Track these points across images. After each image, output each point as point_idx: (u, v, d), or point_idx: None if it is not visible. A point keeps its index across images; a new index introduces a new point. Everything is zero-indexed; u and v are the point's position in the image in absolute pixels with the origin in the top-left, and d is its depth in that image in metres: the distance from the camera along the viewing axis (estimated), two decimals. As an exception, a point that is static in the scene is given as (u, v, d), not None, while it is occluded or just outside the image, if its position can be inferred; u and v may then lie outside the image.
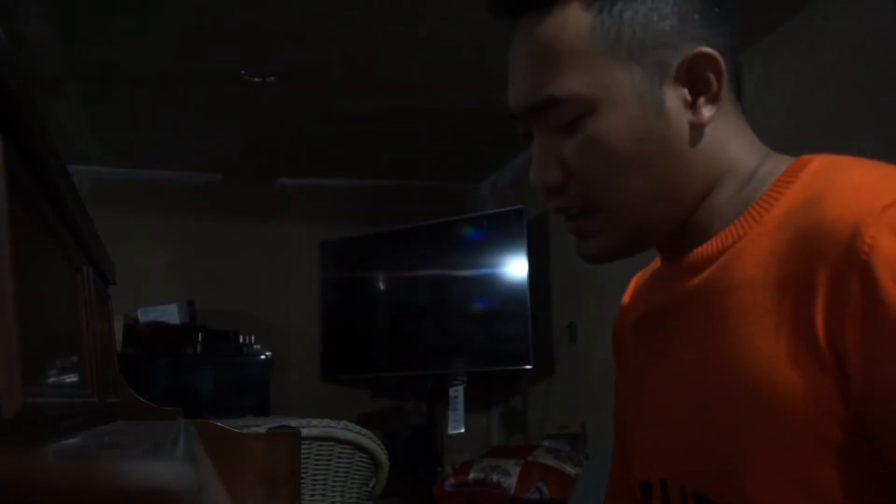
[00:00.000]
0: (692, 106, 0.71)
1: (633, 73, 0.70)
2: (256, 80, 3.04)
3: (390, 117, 3.55)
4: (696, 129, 0.72)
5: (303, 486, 1.78)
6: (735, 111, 0.75)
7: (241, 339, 3.90)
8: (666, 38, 0.70)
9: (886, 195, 0.61)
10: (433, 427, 3.94)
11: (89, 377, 0.90)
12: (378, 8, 2.54)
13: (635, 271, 0.93)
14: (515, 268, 3.63)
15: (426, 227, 3.96)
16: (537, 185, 0.74)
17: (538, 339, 3.62)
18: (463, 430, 3.61)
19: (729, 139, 0.74)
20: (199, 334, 3.83)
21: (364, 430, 2.12)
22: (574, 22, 0.70)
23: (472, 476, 3.23)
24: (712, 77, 0.71)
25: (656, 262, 0.87)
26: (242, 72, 2.99)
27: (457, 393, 3.63)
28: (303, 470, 1.77)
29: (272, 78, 3.04)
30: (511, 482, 3.08)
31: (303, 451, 1.30)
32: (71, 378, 0.79)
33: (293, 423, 1.89)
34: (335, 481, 2.09)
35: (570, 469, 3.07)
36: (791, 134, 2.33)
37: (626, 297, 0.93)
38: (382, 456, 2.16)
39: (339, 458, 2.09)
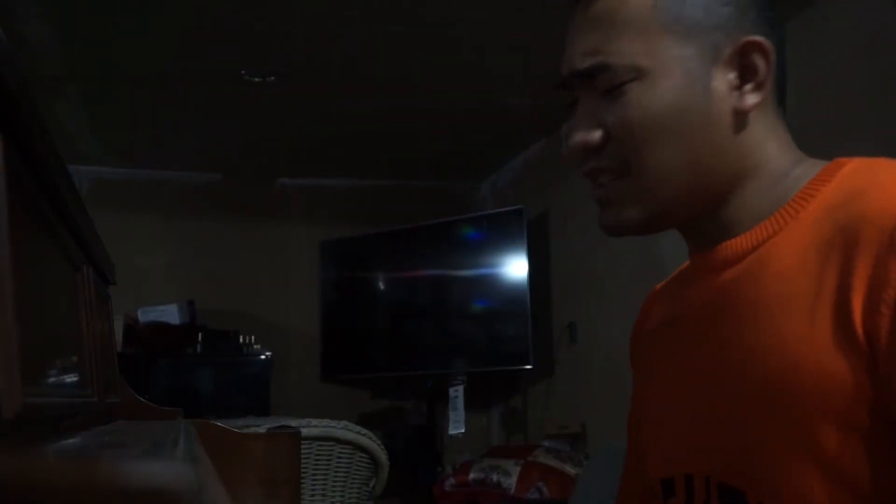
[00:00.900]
0: (738, 91, 0.73)
1: (686, 49, 0.72)
2: (256, 80, 3.05)
3: (390, 117, 3.55)
4: (738, 116, 0.74)
5: (303, 486, 1.78)
6: (775, 112, 0.77)
7: (241, 339, 3.90)
8: (723, 22, 0.73)
9: None
10: (433, 427, 3.94)
11: (89, 377, 0.90)
12: (378, 8, 2.54)
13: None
14: (515, 268, 3.63)
15: (426, 227, 3.96)
16: (577, 144, 0.76)
17: (538, 339, 3.62)
18: (463, 430, 3.61)
19: (767, 135, 0.76)
20: (199, 334, 3.84)
21: (364, 430, 2.12)
22: None
23: (472, 476, 3.23)
24: (761, 65, 0.73)
25: (671, 276, 0.89)
26: (242, 72, 2.99)
27: (457, 393, 3.63)
28: (303, 470, 1.77)
29: (272, 78, 3.04)
30: (511, 482, 3.08)
31: (303, 451, 1.30)
32: (71, 378, 0.79)
33: (293, 423, 1.89)
34: (335, 481, 2.09)
35: (570, 469, 3.07)
36: (791, 134, 2.33)
37: (641, 313, 0.94)
38: (382, 456, 2.16)
39: (339, 458, 2.09)
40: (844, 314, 0.62)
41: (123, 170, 4.11)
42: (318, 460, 2.06)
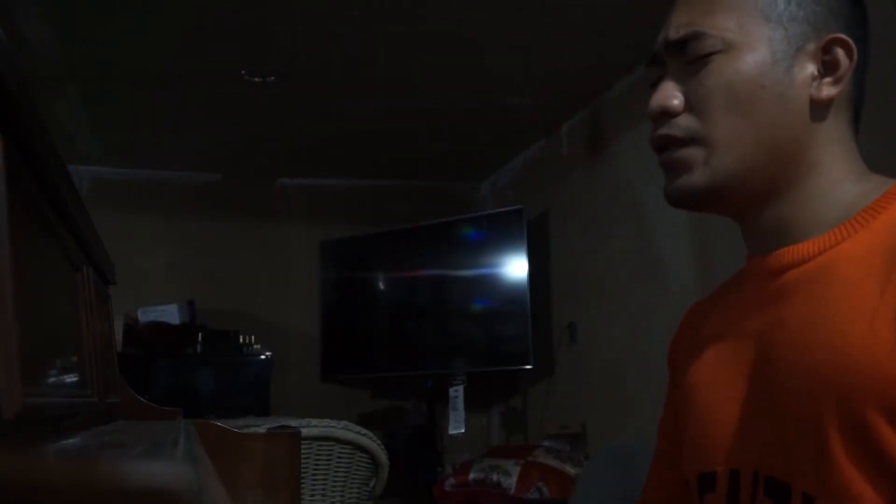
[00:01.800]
0: (818, 81, 0.77)
1: (776, 32, 0.76)
2: (256, 80, 3.05)
3: (390, 117, 3.55)
4: (814, 105, 0.77)
5: (303, 486, 1.78)
6: (848, 122, 0.80)
7: (241, 339, 3.90)
8: (815, 17, 0.77)
9: None
10: (433, 427, 3.94)
11: (89, 377, 0.90)
12: (378, 8, 2.54)
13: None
14: (515, 268, 3.63)
15: (426, 227, 3.96)
16: (656, 106, 0.79)
17: (538, 339, 3.62)
18: (463, 430, 3.61)
19: (835, 137, 0.78)
20: (199, 334, 3.83)
21: (364, 430, 2.12)
22: None
23: (472, 476, 3.23)
24: (843, 60, 0.76)
25: (717, 289, 0.93)
26: (242, 72, 2.99)
27: (457, 393, 3.63)
28: (303, 470, 1.77)
29: (272, 78, 3.04)
30: (511, 482, 3.08)
31: (303, 451, 1.30)
32: (71, 378, 0.79)
33: (293, 423, 1.89)
34: (335, 481, 2.09)
35: (570, 469, 3.07)
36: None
37: (682, 325, 0.97)
38: (382, 456, 2.16)
39: (339, 458, 2.09)
40: None
41: (123, 170, 4.11)
42: (318, 460, 2.06)
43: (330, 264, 4.19)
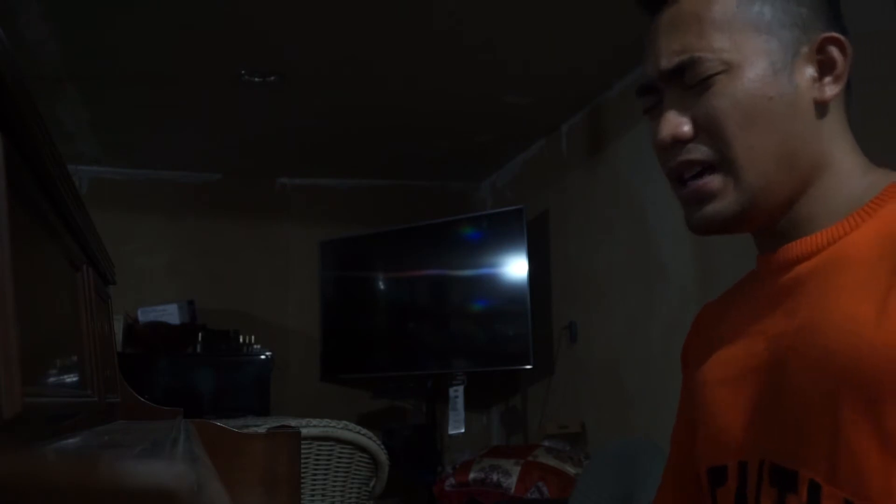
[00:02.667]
0: (818, 83, 0.77)
1: (770, 42, 0.76)
2: (256, 80, 3.05)
3: (390, 117, 3.55)
4: (819, 106, 0.77)
5: (303, 486, 1.78)
6: (844, 115, 0.80)
7: (241, 339, 3.90)
8: (802, 20, 0.77)
9: None
10: (433, 427, 3.94)
11: (89, 377, 0.90)
12: (378, 8, 2.54)
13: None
14: (515, 268, 3.63)
15: (426, 227, 3.96)
16: (666, 136, 0.78)
17: (538, 339, 3.62)
18: (463, 430, 3.61)
19: (842, 131, 0.79)
20: (199, 334, 3.84)
21: (364, 430, 2.12)
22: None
23: (472, 476, 3.23)
24: (839, 58, 0.77)
25: (730, 288, 0.92)
26: (242, 72, 2.99)
27: (457, 393, 3.63)
28: (303, 470, 1.77)
29: (272, 78, 3.04)
30: (511, 482, 3.08)
31: (303, 451, 1.30)
32: (71, 378, 0.79)
33: (293, 423, 1.89)
34: (335, 481, 2.09)
35: (570, 469, 3.08)
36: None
37: (695, 325, 0.97)
38: (382, 456, 2.16)
39: (339, 458, 2.09)
40: None
41: (123, 170, 4.11)
42: (318, 460, 2.06)
43: (330, 264, 4.19)
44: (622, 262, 3.14)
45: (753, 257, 0.86)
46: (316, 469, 2.06)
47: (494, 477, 3.14)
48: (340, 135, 3.79)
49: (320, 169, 4.32)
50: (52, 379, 0.67)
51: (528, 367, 3.54)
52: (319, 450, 2.06)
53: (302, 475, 1.48)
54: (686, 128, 0.77)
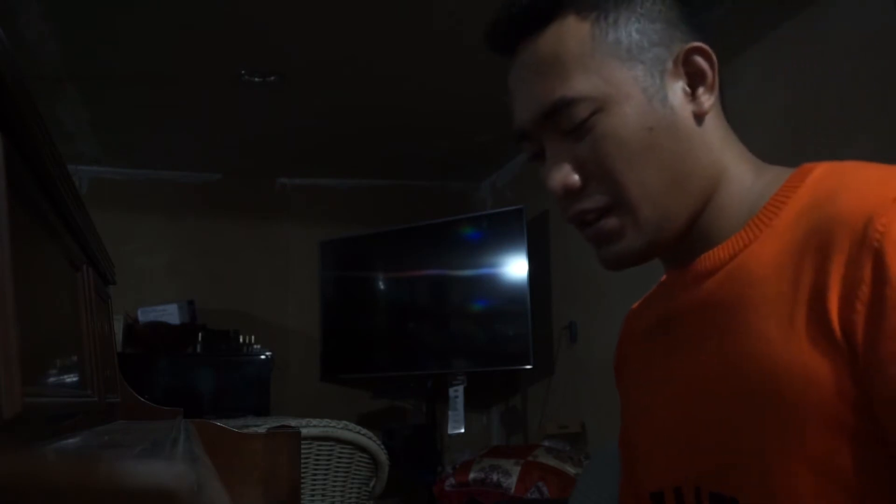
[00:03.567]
0: (692, 96, 0.76)
1: (635, 69, 0.74)
2: (256, 79, 3.05)
3: (390, 117, 3.55)
4: (699, 118, 0.76)
5: (303, 486, 1.78)
6: (723, 119, 0.79)
7: (241, 339, 3.90)
8: (658, 37, 0.75)
9: None
10: (433, 427, 3.94)
11: (89, 377, 0.90)
12: (378, 8, 2.54)
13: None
14: (515, 268, 3.63)
15: (426, 227, 3.96)
16: (558, 188, 0.76)
17: (538, 339, 3.62)
18: (463, 430, 3.61)
19: (724, 139, 0.78)
20: (199, 334, 3.83)
21: (364, 430, 2.12)
22: (574, 32, 0.75)
23: (472, 476, 3.23)
24: (706, 66, 0.75)
25: (648, 294, 0.92)
26: (242, 72, 2.99)
27: (457, 393, 3.63)
28: (303, 470, 1.77)
29: (272, 78, 3.04)
30: (511, 482, 3.08)
31: (303, 451, 1.30)
32: (71, 378, 0.79)
33: (293, 423, 1.89)
34: (335, 481, 2.09)
35: (570, 469, 3.08)
36: (790, 134, 2.33)
37: (622, 335, 0.96)
38: (382, 456, 2.16)
39: (339, 458, 2.09)
40: (822, 314, 0.64)
41: (123, 170, 4.11)
42: (318, 460, 2.06)
43: (330, 264, 4.19)
44: (622, 262, 3.14)
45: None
46: (316, 469, 2.06)
47: (494, 477, 3.14)
48: (340, 135, 3.79)
49: (320, 169, 4.32)
50: (52, 379, 0.67)
51: (528, 367, 3.54)
52: (319, 450, 2.06)
53: (302, 475, 1.48)
54: (574, 177, 0.75)
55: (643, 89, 0.73)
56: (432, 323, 3.96)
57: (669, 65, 0.75)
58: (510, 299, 3.63)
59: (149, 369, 3.70)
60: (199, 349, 3.83)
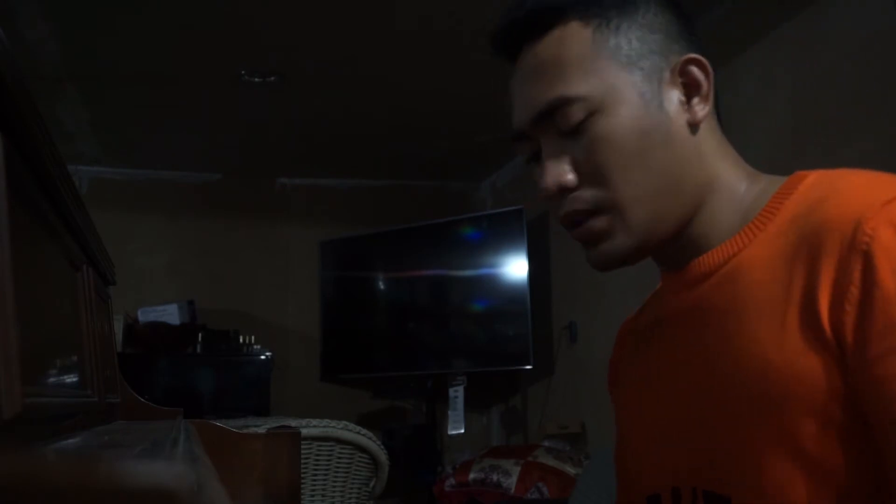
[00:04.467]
0: (687, 105, 0.77)
1: (633, 74, 0.76)
2: (256, 80, 3.05)
3: (390, 117, 3.55)
4: (693, 127, 0.77)
5: (303, 486, 1.78)
6: (718, 129, 0.81)
7: (241, 339, 3.90)
8: (658, 47, 0.77)
9: (885, 192, 0.66)
10: (433, 427, 3.94)
11: (89, 377, 0.90)
12: (379, 8, 2.54)
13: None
14: (515, 268, 3.63)
15: (426, 227, 3.96)
16: (552, 186, 0.77)
17: (538, 339, 3.62)
18: (463, 430, 3.61)
19: (718, 148, 0.80)
20: (199, 334, 3.83)
21: (364, 430, 2.12)
22: (576, 37, 0.77)
23: (472, 476, 3.23)
24: (702, 77, 0.77)
25: (643, 304, 0.93)
26: (242, 71, 2.99)
27: (457, 393, 3.63)
28: (303, 470, 1.77)
29: (272, 78, 3.04)
30: (511, 482, 3.08)
31: (303, 451, 1.30)
32: (71, 378, 0.79)
33: (293, 423, 1.89)
34: (335, 481, 2.09)
35: (570, 469, 3.08)
36: (791, 134, 2.33)
37: (616, 345, 0.98)
38: (382, 456, 2.16)
39: (339, 458, 2.09)
40: (813, 315, 0.66)
41: (123, 170, 4.11)
42: (318, 460, 2.06)
43: (330, 264, 4.19)
44: (622, 263, 3.14)
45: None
46: (316, 469, 2.06)
47: (494, 477, 3.14)
48: (340, 135, 3.79)
49: (320, 169, 4.32)
50: (52, 379, 0.67)
51: (528, 367, 3.54)
52: (319, 450, 2.06)
53: (302, 475, 1.48)
54: (570, 176, 0.77)
55: (640, 94, 0.75)
56: (432, 323, 3.96)
57: (666, 74, 0.77)
58: (510, 299, 3.63)
59: (149, 369, 3.70)
60: (199, 349, 3.83)
